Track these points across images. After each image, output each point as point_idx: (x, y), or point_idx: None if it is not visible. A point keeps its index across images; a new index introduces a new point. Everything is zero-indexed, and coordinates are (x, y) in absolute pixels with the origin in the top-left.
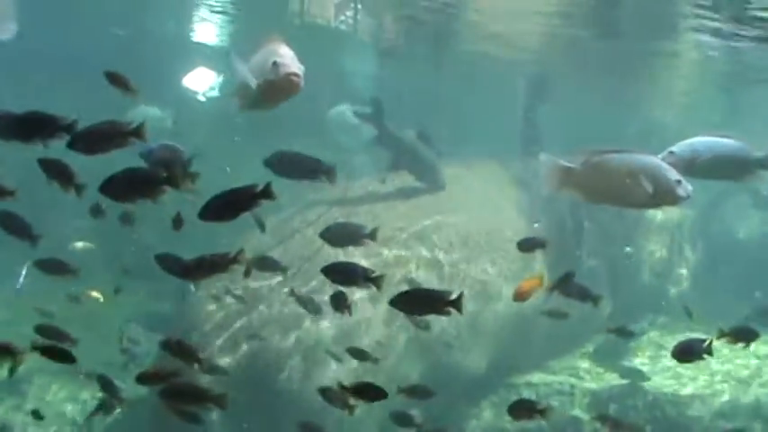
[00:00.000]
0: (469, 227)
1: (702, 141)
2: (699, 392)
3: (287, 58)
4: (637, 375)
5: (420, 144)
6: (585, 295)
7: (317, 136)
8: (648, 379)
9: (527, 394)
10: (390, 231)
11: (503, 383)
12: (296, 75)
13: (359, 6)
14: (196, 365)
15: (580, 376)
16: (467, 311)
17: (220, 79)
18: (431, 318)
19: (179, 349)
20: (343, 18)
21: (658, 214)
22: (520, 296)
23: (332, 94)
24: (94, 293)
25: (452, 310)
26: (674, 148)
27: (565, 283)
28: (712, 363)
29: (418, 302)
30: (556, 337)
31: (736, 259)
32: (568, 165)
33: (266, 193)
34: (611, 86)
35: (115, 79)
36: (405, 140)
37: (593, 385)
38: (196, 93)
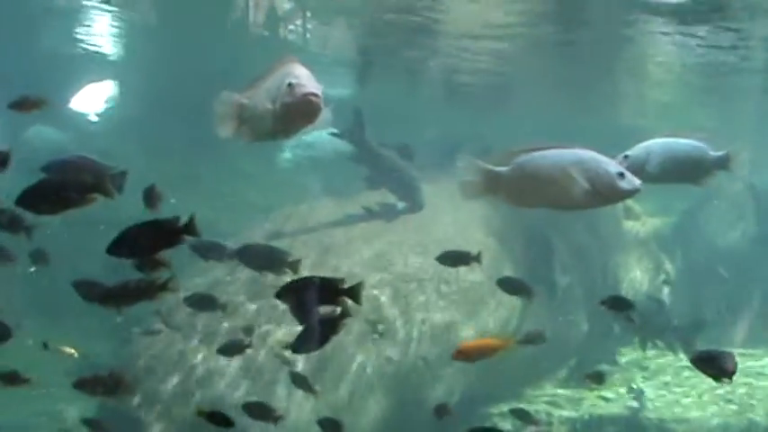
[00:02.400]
0: (436, 248)
1: (658, 143)
2: (687, 416)
3: (303, 77)
4: (619, 400)
5: (401, 162)
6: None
7: (257, 154)
8: (632, 404)
9: (503, 425)
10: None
11: (477, 414)
12: (315, 95)
13: (308, 14)
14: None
15: (558, 404)
16: (436, 342)
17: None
18: (399, 350)
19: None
20: (292, 28)
21: (635, 226)
22: (461, 355)
23: None
24: (68, 349)
25: (348, 300)
26: (628, 152)
27: (535, 340)
28: (700, 383)
29: (311, 295)
30: (531, 362)
31: (720, 272)
32: (492, 168)
33: (189, 228)
34: (580, 93)
35: (22, 105)
36: (385, 158)
37: (571, 413)
38: (87, 114)
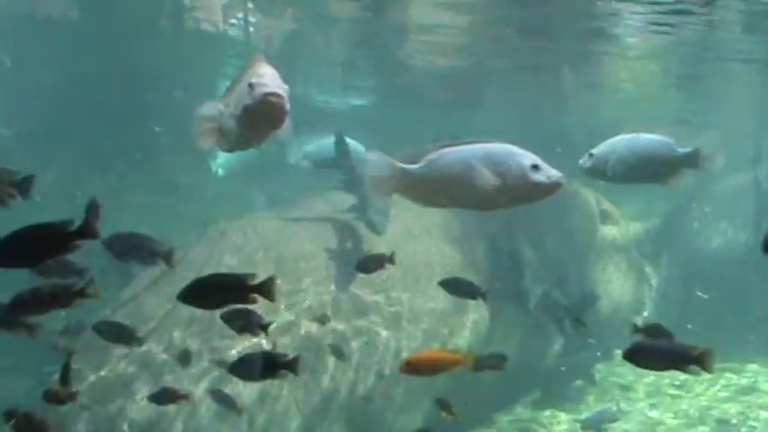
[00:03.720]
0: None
1: (623, 140)
2: None
3: (266, 77)
4: (601, 423)
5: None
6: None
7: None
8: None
9: None
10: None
11: None
12: (275, 95)
13: (249, 6)
14: None
15: (530, 429)
16: (397, 360)
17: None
18: (355, 377)
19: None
20: (234, 22)
21: (613, 231)
22: (409, 368)
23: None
24: None
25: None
26: (593, 150)
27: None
28: (683, 401)
29: (214, 293)
30: (502, 383)
31: (710, 279)
32: (401, 164)
33: (86, 231)
34: (550, 89)
35: None
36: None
37: None
38: None
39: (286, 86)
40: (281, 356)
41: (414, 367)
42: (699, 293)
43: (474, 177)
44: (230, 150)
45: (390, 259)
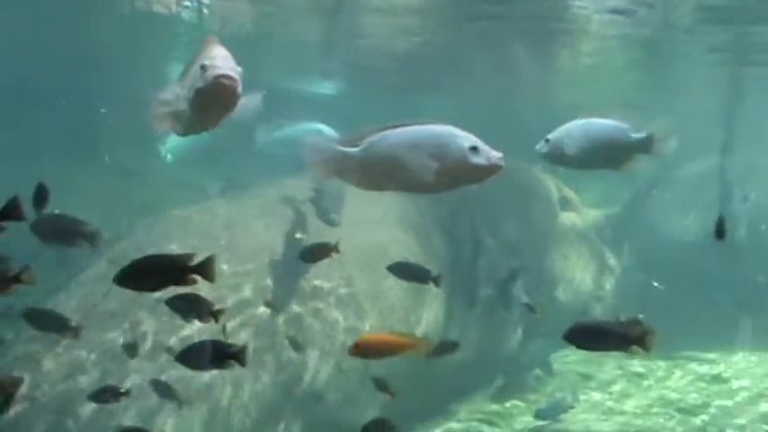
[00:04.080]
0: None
1: (577, 125)
2: (631, 427)
3: (218, 58)
4: (556, 412)
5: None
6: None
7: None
8: (569, 412)
9: None
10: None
11: None
12: (227, 77)
13: None
14: None
15: (490, 420)
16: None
17: None
18: (306, 369)
19: None
20: (187, 4)
21: (573, 218)
22: (357, 350)
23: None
24: None
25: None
26: (549, 135)
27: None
28: (642, 389)
29: (151, 275)
30: (461, 374)
31: (670, 266)
32: (341, 147)
33: (11, 213)
34: (507, 72)
35: None
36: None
37: (505, 430)
38: None
39: (239, 68)
40: (229, 347)
41: (362, 349)
42: (655, 284)
43: (413, 160)
44: (185, 134)
45: (335, 248)
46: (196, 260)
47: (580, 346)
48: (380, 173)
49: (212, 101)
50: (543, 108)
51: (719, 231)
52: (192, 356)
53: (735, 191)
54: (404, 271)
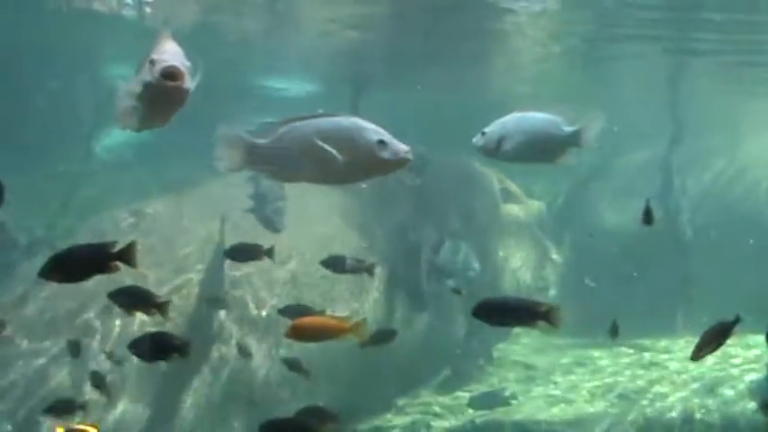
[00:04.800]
0: (289, 242)
1: (513, 119)
2: (578, 417)
3: (167, 53)
4: (501, 403)
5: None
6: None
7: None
8: (513, 404)
9: None
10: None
11: None
12: (173, 70)
13: None
14: None
15: (436, 413)
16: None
17: None
18: (251, 366)
19: None
20: (129, 2)
21: (515, 210)
22: (294, 332)
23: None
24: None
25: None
26: (486, 129)
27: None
28: (585, 377)
29: (75, 265)
30: (405, 367)
31: (609, 255)
32: (250, 138)
33: None
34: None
35: None
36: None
37: (452, 422)
38: None
39: (188, 63)
40: (172, 339)
41: (298, 332)
42: (587, 281)
43: (320, 152)
44: (138, 130)
45: (268, 253)
46: (117, 247)
47: (489, 321)
48: (289, 164)
49: (160, 95)
50: (497, 103)
51: (647, 217)
52: (139, 347)
53: (675, 181)
54: (337, 264)
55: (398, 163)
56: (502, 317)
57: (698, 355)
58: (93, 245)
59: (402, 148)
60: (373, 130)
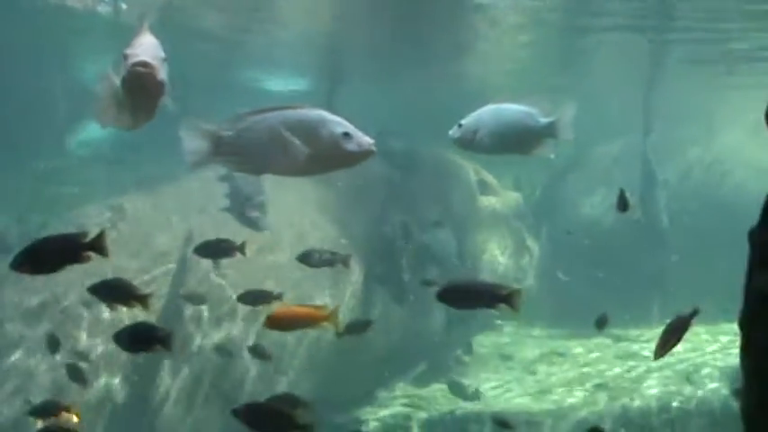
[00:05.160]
0: (266, 236)
1: (488, 110)
2: (556, 407)
3: (141, 46)
4: (479, 394)
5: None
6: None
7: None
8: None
9: None
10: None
11: (326, 424)
12: (144, 64)
13: None
14: None
15: (416, 404)
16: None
17: None
18: (228, 361)
19: None
20: None
21: (492, 202)
22: (271, 323)
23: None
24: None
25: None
26: (462, 121)
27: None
28: (563, 367)
29: (45, 256)
30: (384, 360)
31: (586, 246)
32: (215, 130)
33: None
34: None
35: None
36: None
37: (432, 413)
38: None
39: (162, 56)
40: (156, 330)
41: (275, 322)
42: (559, 275)
43: (284, 144)
44: (126, 129)
45: (240, 249)
46: (88, 237)
47: (452, 304)
48: (253, 156)
49: (134, 89)
50: (475, 94)
51: (622, 204)
52: (122, 338)
53: (654, 171)
54: (312, 258)
55: (363, 155)
56: (465, 300)
57: (660, 353)
58: (64, 235)
59: (366, 140)
60: (338, 122)
